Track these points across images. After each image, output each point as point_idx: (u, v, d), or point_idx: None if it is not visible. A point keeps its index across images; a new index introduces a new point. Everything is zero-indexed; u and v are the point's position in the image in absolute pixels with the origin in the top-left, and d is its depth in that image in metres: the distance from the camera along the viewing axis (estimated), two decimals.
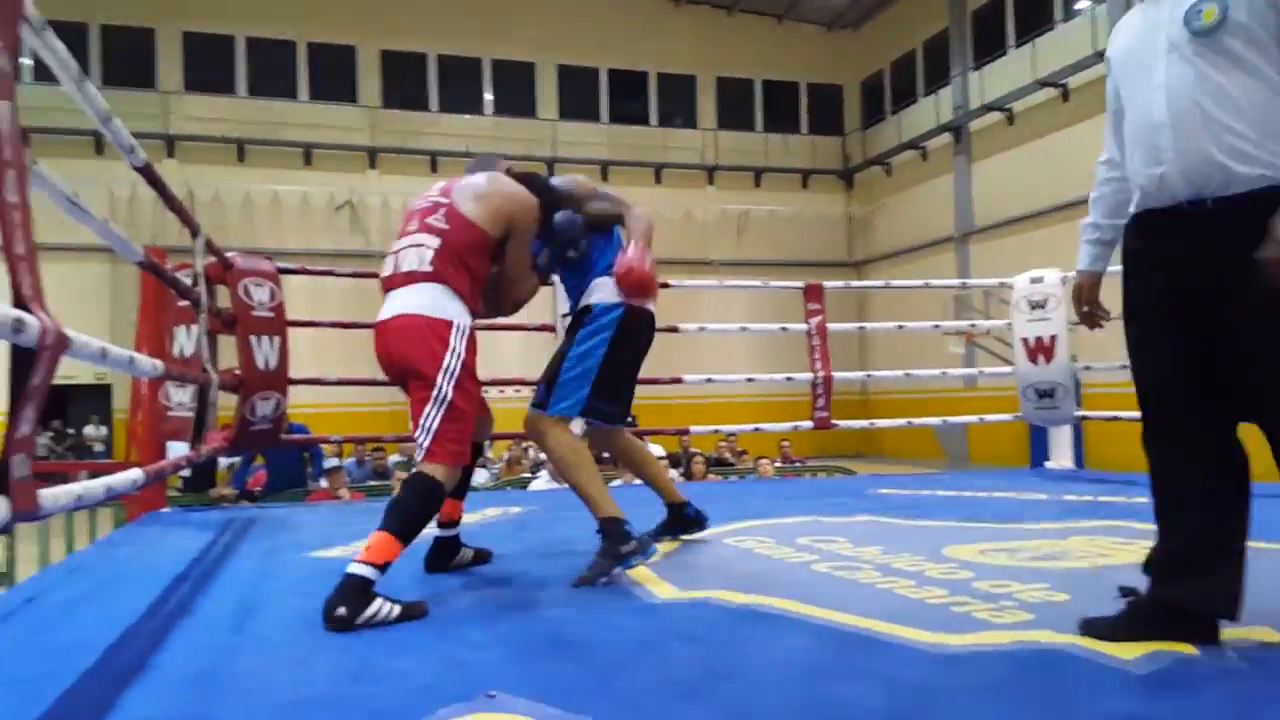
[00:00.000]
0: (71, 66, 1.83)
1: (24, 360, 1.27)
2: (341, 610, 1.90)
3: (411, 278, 2.31)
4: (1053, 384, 5.38)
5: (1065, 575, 2.29)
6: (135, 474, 2.04)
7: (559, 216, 2.54)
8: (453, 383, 2.22)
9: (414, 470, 2.23)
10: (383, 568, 2.02)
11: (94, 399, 17.07)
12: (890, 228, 20.76)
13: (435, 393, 2.21)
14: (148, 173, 2.58)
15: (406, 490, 2.20)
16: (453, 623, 1.96)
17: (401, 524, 2.11)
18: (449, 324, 2.26)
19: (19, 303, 1.27)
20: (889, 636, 1.77)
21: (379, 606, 1.95)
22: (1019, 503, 3.91)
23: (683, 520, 2.91)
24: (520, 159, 19.36)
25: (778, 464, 7.81)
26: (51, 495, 1.41)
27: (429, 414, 2.21)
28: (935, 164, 19.47)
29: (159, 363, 2.36)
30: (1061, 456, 5.67)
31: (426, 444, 2.21)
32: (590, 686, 1.50)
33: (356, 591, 1.95)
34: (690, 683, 1.52)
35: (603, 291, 2.59)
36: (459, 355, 2.25)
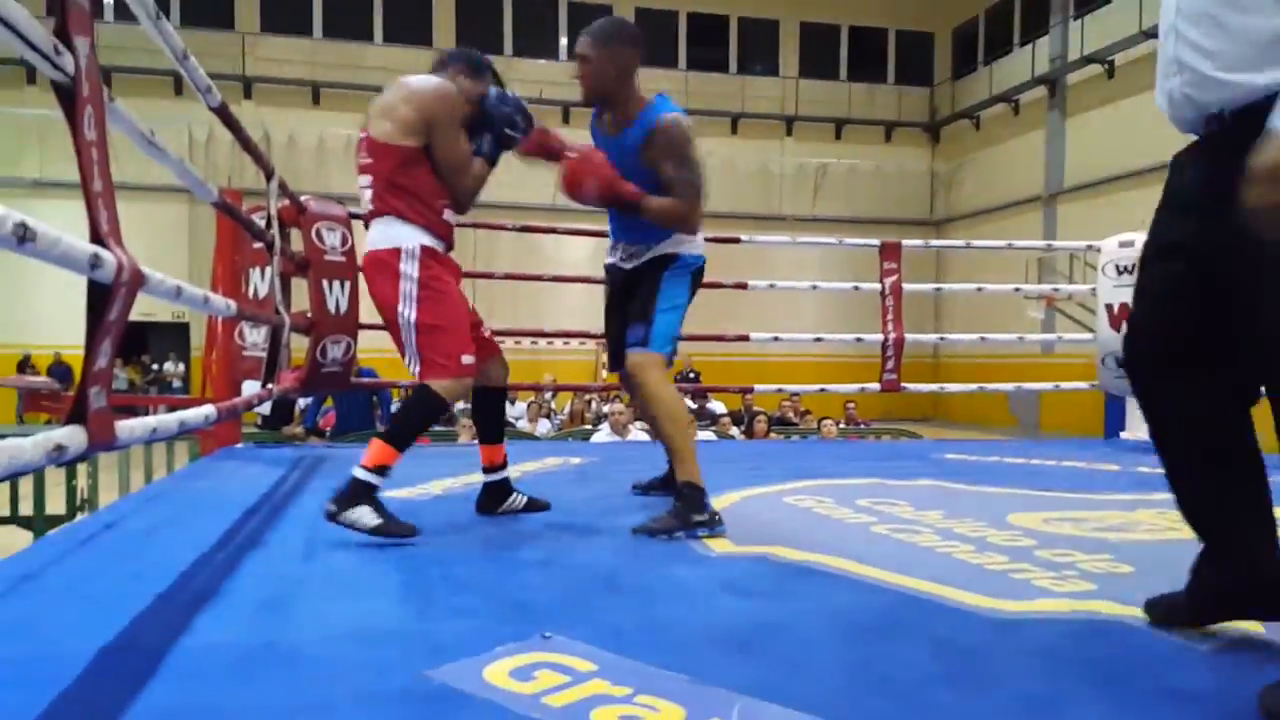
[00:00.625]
0: (149, 4, 1.87)
1: (100, 296, 1.32)
2: (332, 506, 2.11)
3: (367, 220, 2.37)
4: None
5: (1131, 547, 2.24)
6: (208, 410, 2.12)
7: (490, 94, 2.44)
8: (412, 304, 2.27)
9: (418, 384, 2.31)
10: (377, 470, 2.15)
11: (173, 336, 17.73)
12: (976, 185, 20.08)
13: (400, 319, 2.29)
14: (223, 113, 2.63)
15: (407, 401, 2.32)
16: (511, 566, 2.01)
17: (398, 432, 2.24)
18: (395, 251, 2.29)
19: (96, 238, 1.31)
20: (943, 599, 1.76)
21: (362, 513, 2.10)
22: (1089, 473, 3.82)
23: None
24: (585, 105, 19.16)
25: (841, 425, 7.74)
26: (128, 427, 1.47)
27: (406, 340, 2.29)
28: (1027, 119, 18.69)
29: (233, 303, 2.43)
30: (1137, 428, 5.49)
31: (416, 368, 2.29)
32: (643, 633, 1.52)
33: (351, 492, 2.12)
34: (742, 635, 1.53)
35: (691, 245, 2.62)
36: (412, 277, 2.28)
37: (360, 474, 2.13)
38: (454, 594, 1.76)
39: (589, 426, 7.87)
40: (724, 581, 1.88)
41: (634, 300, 2.61)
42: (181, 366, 17.55)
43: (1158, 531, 2.47)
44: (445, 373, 2.27)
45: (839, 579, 1.92)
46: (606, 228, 2.86)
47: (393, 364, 2.97)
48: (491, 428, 2.61)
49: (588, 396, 9.64)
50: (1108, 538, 2.38)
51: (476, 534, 2.35)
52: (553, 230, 5.17)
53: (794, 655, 1.44)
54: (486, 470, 2.58)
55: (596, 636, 1.47)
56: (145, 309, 17.02)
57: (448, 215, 2.36)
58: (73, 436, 1.22)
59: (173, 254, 15.14)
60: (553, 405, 10.23)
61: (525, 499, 2.64)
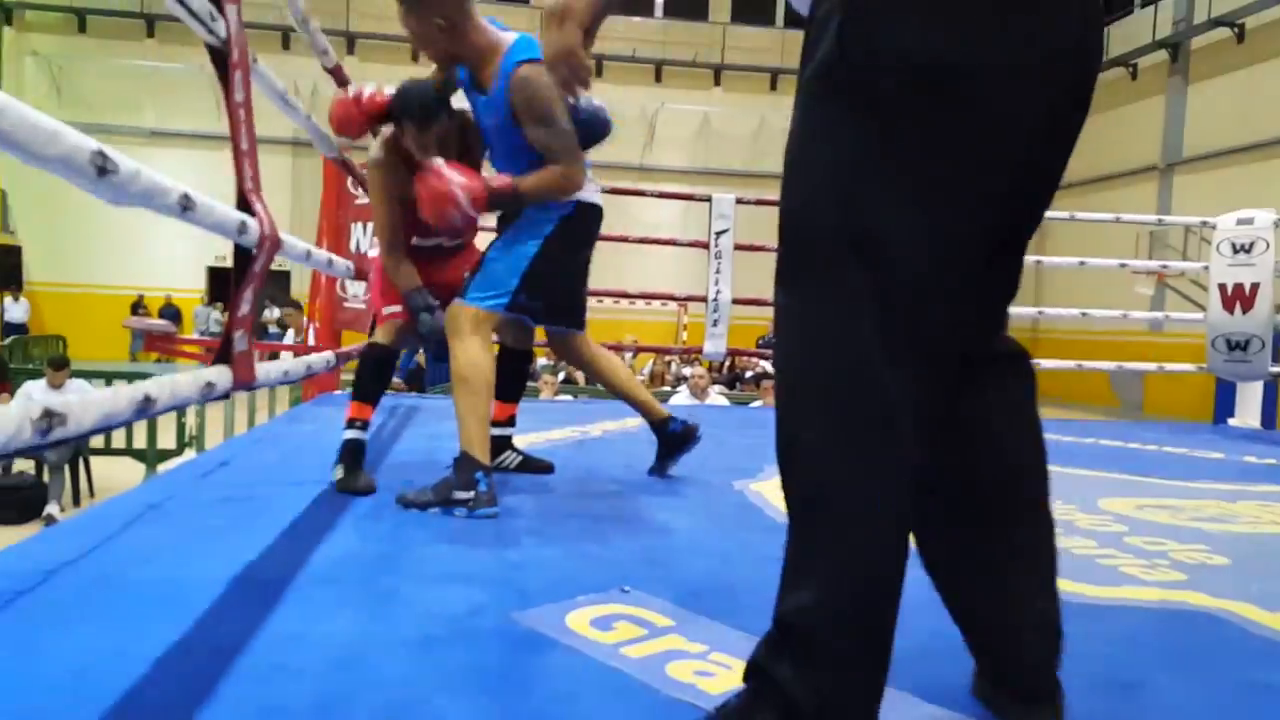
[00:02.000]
0: None
1: (243, 259, 1.42)
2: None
3: None
4: (1248, 335, 4.97)
5: (1229, 539, 2.17)
6: (329, 355, 2.24)
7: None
8: None
9: None
10: (351, 424, 2.33)
11: (272, 284, 18.38)
12: (1087, 152, 19.11)
13: None
14: (338, 74, 2.73)
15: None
16: (593, 522, 2.08)
17: (357, 387, 2.40)
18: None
19: (242, 194, 1.40)
20: None
21: (340, 470, 2.27)
22: (1190, 460, 3.69)
23: (668, 437, 2.62)
24: (685, 64, 18.88)
25: None
26: (265, 369, 1.59)
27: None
28: (1146, 83, 17.74)
29: (350, 263, 2.54)
30: (1247, 414, 5.26)
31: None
32: (718, 595, 1.57)
33: (342, 451, 2.29)
34: None
35: None
36: None
37: (344, 434, 2.31)
38: (540, 545, 1.83)
39: (668, 389, 7.92)
40: None
41: None
42: (279, 313, 18.22)
43: (1259, 524, 2.39)
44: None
45: (913, 554, 1.92)
46: (693, 190, 2.83)
47: None
48: (511, 386, 2.61)
49: (668, 358, 9.68)
50: (1204, 528, 2.32)
51: (562, 491, 2.43)
52: (639, 193, 5.18)
53: None
54: (494, 424, 2.49)
55: (674, 594, 1.52)
56: None
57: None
58: (220, 375, 1.33)
59: (277, 204, 15.53)
60: (633, 365, 10.32)
61: (521, 458, 2.63)
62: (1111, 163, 18.18)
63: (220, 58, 1.44)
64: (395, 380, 6.95)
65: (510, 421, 2.62)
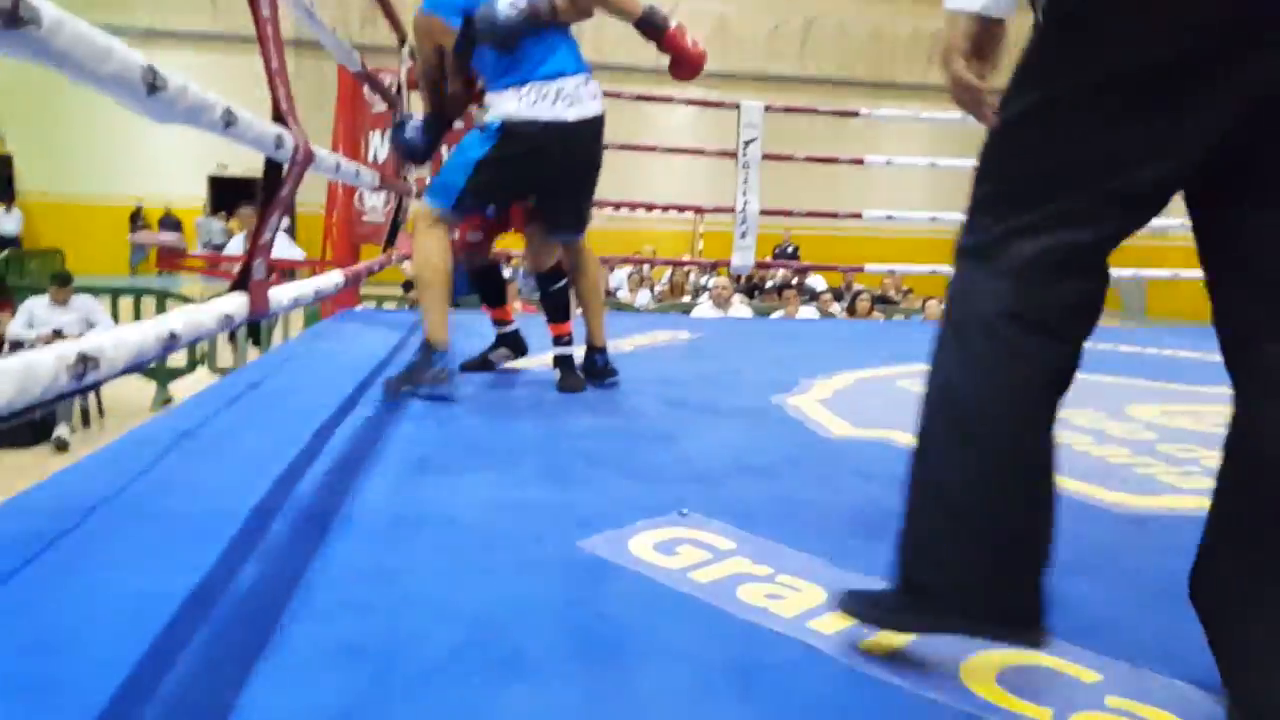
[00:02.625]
0: None
1: (274, 173, 1.37)
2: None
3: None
4: None
5: None
6: (337, 277, 2.20)
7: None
8: None
9: None
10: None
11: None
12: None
13: None
14: None
15: None
16: (639, 442, 2.07)
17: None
18: None
19: (277, 114, 1.35)
20: (1069, 492, 1.77)
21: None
22: (1204, 364, 3.69)
23: (590, 363, 2.73)
24: None
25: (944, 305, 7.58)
26: (274, 296, 1.56)
27: None
28: None
29: (376, 174, 2.48)
30: None
31: None
32: (774, 514, 1.57)
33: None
34: (871, 520, 1.57)
35: (501, 107, 2.45)
36: None
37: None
38: (589, 468, 1.82)
39: (687, 299, 7.90)
40: (849, 466, 1.92)
41: None
42: (287, 221, 17.99)
43: None
44: None
45: None
46: (709, 94, 2.81)
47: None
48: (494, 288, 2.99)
49: (686, 269, 9.63)
50: None
51: (595, 410, 2.41)
52: (669, 99, 5.05)
53: None
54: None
55: (730, 515, 1.53)
56: (254, 164, 17.32)
57: None
58: (238, 305, 1.30)
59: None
60: (652, 275, 10.27)
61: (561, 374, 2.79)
62: None
63: None
64: (412, 294, 6.90)
65: (566, 340, 2.76)
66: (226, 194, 18.15)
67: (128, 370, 1.00)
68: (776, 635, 1.12)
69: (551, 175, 2.54)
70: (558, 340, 2.75)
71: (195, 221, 17.18)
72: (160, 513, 1.46)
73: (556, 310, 2.78)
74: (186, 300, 6.34)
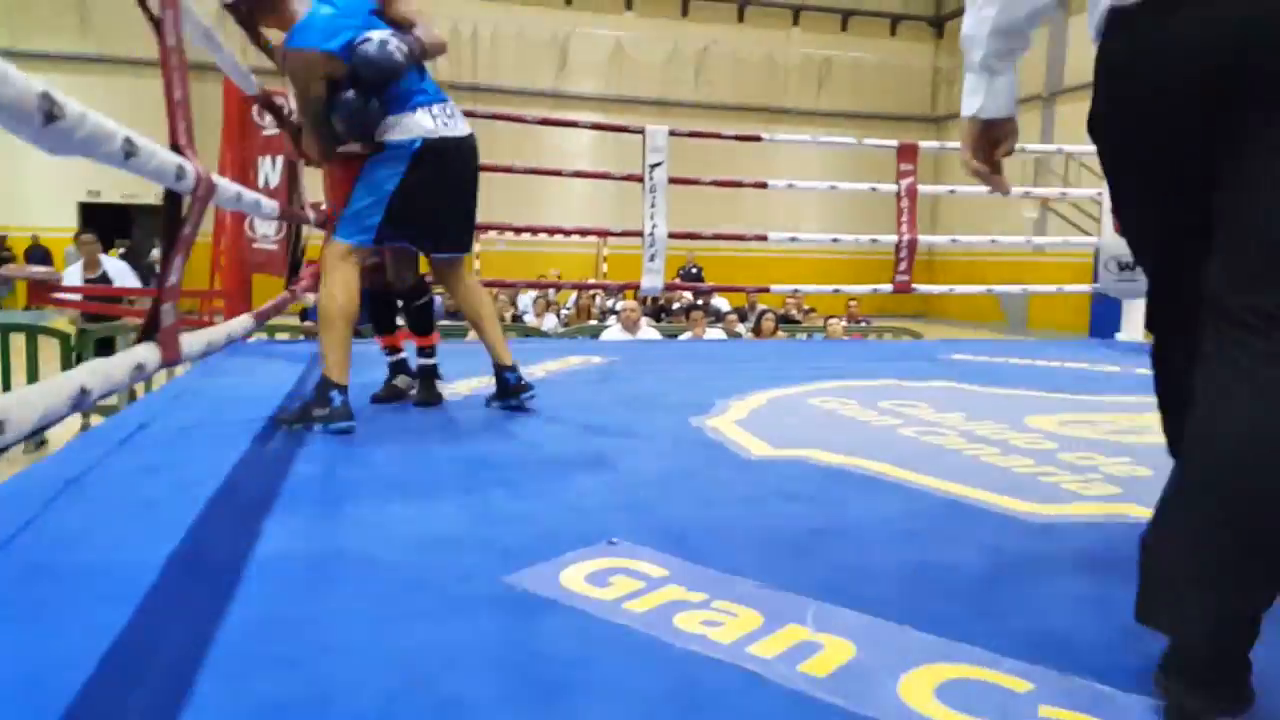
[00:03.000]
0: None
1: (175, 207, 1.30)
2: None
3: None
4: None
5: (1147, 450, 2.29)
6: (248, 321, 2.11)
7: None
8: None
9: None
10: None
11: (158, 220, 17.22)
12: None
13: None
14: (235, 10, 2.50)
15: None
16: (561, 469, 2.04)
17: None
18: None
19: (175, 147, 1.28)
20: (983, 503, 1.82)
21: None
22: (1094, 374, 3.89)
23: (502, 384, 2.71)
24: None
25: (845, 323, 7.79)
26: (186, 342, 1.47)
27: None
28: None
29: (276, 203, 2.39)
30: (1133, 329, 5.57)
31: None
32: (704, 538, 1.56)
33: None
34: (798, 539, 1.58)
35: (400, 131, 2.47)
36: None
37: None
38: (511, 499, 1.78)
39: (594, 322, 7.88)
40: (770, 485, 1.93)
41: None
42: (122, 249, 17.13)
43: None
44: None
45: (878, 483, 1.97)
46: (607, 118, 2.84)
47: None
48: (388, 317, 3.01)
49: (592, 292, 9.63)
50: (1124, 440, 2.45)
51: (514, 438, 2.37)
52: (573, 124, 5.05)
53: (852, 560, 1.49)
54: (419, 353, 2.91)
55: (660, 542, 1.51)
56: (129, 190, 16.61)
57: None
58: (149, 354, 1.23)
59: (163, 133, 14.67)
60: (558, 299, 10.23)
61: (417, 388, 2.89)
62: None
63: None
64: (308, 323, 6.68)
65: (430, 352, 2.85)
66: (100, 222, 17.28)
67: (36, 432, 0.92)
68: (716, 663, 1.10)
69: (453, 193, 2.60)
70: (422, 351, 2.83)
71: (65, 251, 16.25)
72: (52, 568, 1.35)
73: (421, 324, 2.86)
74: (59, 335, 5.98)
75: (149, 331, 1.29)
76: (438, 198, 2.56)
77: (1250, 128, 1.00)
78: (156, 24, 1.24)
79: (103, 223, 17.19)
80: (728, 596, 1.30)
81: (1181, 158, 1.08)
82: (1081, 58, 16.67)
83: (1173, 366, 1.27)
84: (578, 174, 4.85)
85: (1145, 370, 3.97)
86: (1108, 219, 5.31)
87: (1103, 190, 5.39)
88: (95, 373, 1.10)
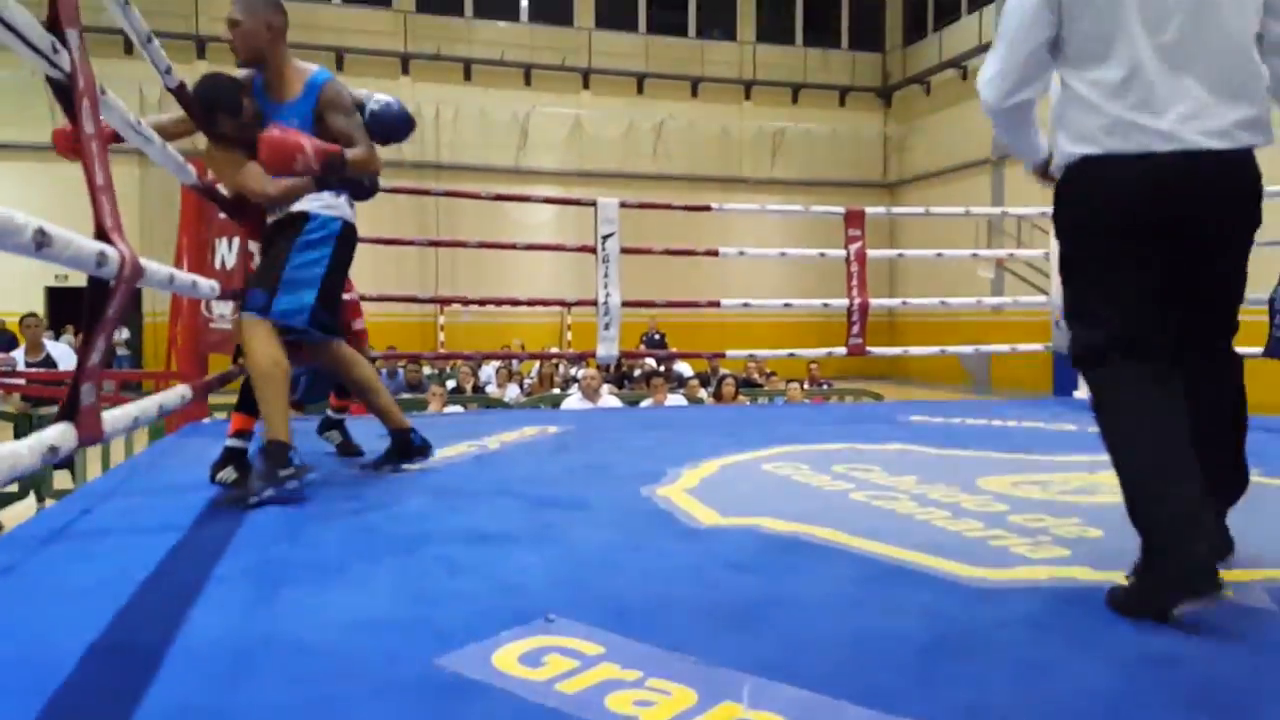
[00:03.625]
0: None
1: (100, 291, 1.29)
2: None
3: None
4: None
5: (1097, 510, 2.30)
6: (183, 390, 2.09)
7: None
8: None
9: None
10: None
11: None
12: (927, 149, 20.29)
13: None
14: (180, 94, 2.54)
15: None
16: (502, 545, 2.00)
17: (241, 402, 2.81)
18: None
19: (100, 233, 1.28)
20: (930, 569, 1.81)
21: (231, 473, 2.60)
22: (1048, 433, 3.92)
23: (407, 447, 2.83)
24: (554, 68, 19.02)
25: (806, 386, 7.84)
26: (112, 419, 1.45)
27: None
28: (975, 84, 18.86)
29: (215, 283, 2.38)
30: (1087, 388, 5.66)
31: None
32: (645, 613, 1.54)
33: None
34: (742, 611, 1.56)
35: (324, 204, 2.62)
36: None
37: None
38: (449, 577, 1.75)
39: (557, 391, 7.87)
40: (717, 556, 1.91)
41: (264, 259, 2.65)
42: (127, 333, 17.06)
43: (1119, 494, 2.55)
44: None
45: (827, 550, 1.96)
46: (568, 191, 2.93)
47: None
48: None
49: (555, 361, 9.63)
50: (1074, 500, 2.46)
51: (460, 512, 2.34)
52: (525, 198, 5.15)
53: (795, 631, 1.47)
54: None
55: (599, 617, 1.48)
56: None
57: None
58: (64, 435, 1.20)
59: (124, 217, 14.63)
60: (521, 369, 10.22)
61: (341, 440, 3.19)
62: (950, 157, 19.28)
63: (64, 90, 1.30)
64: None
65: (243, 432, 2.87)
66: (67, 306, 17.12)
67: None
68: None
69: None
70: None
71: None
72: None
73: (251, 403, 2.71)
74: (12, 418, 5.84)
75: (66, 412, 1.27)
76: (345, 280, 2.74)
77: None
78: (72, 116, 1.25)
79: (71, 306, 17.09)
80: (663, 674, 1.27)
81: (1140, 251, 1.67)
82: None
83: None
84: (531, 246, 4.93)
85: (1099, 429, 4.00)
86: (1057, 278, 5.44)
87: (1050, 251, 5.53)
88: (0, 457, 1.07)
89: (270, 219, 2.67)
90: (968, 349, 5.98)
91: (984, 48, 18.02)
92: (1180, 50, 1.58)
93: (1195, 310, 1.74)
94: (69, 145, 2.31)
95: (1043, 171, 1.96)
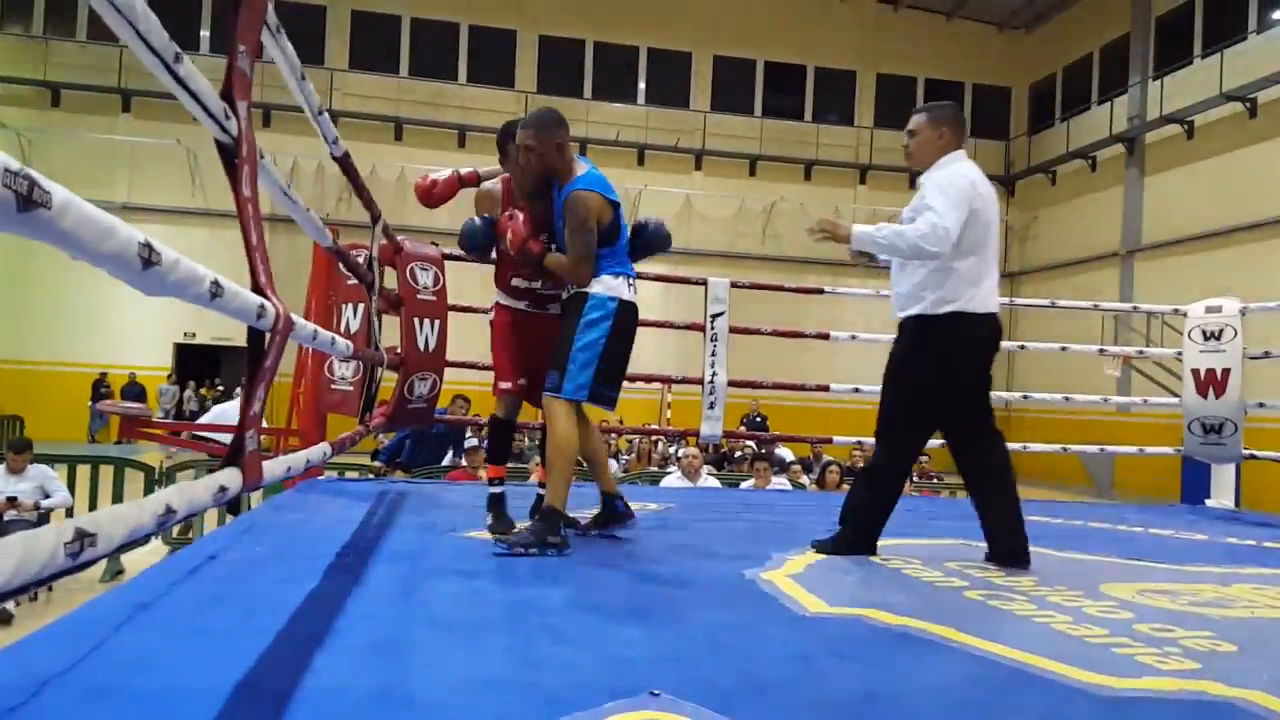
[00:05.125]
0: (296, 65, 1.97)
1: (258, 343, 1.39)
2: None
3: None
4: (1221, 419, 5.07)
5: (1231, 624, 2.18)
6: (325, 448, 2.20)
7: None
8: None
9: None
10: (492, 481, 3.18)
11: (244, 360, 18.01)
12: (1051, 239, 19.81)
13: None
14: (345, 162, 2.75)
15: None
16: (612, 618, 2.02)
17: (490, 453, 3.36)
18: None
19: (256, 288, 1.39)
20: (1049, 673, 1.73)
21: (490, 518, 3.05)
22: (1177, 542, 3.71)
23: (611, 512, 3.08)
24: (670, 149, 19.51)
25: (916, 479, 7.63)
26: (269, 468, 1.54)
27: None
28: (1105, 175, 18.42)
29: (349, 343, 2.52)
30: (1223, 495, 5.33)
31: None
32: (749, 696, 1.52)
33: (490, 503, 3.07)
34: (847, 703, 1.52)
35: (600, 282, 2.88)
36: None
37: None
38: (556, 644, 1.77)
39: (655, 468, 7.88)
40: (824, 644, 1.87)
41: (559, 338, 2.91)
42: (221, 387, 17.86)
43: (1256, 608, 2.40)
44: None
45: (938, 647, 1.90)
46: (675, 269, 3.04)
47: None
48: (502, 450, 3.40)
49: (655, 437, 9.66)
50: (1206, 613, 2.31)
51: (568, 581, 2.37)
52: (639, 276, 5.29)
53: None
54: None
55: (704, 697, 1.47)
56: (220, 332, 17.60)
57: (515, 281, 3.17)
58: (232, 479, 1.29)
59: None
60: (617, 444, 10.28)
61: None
62: (1076, 249, 18.75)
63: (229, 154, 1.43)
64: (376, 463, 6.81)
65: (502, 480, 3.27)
66: (192, 361, 18.22)
67: (123, 548, 0.98)
68: None
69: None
70: (494, 481, 3.21)
71: (158, 388, 17.09)
72: (116, 691, 1.39)
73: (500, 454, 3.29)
74: (144, 468, 6.20)
75: (233, 457, 1.37)
76: (627, 357, 2.97)
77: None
78: (234, 180, 1.37)
79: (195, 361, 18.19)
80: None
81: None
82: (1158, 216, 16.71)
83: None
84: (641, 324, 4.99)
85: (1235, 539, 3.87)
86: (1190, 379, 5.20)
87: (1182, 350, 5.30)
88: (181, 493, 1.16)
89: (563, 296, 3.03)
90: (1092, 448, 5.73)
91: (1115, 139, 17.65)
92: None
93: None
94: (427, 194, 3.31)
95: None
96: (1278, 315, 5.11)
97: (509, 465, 7.39)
